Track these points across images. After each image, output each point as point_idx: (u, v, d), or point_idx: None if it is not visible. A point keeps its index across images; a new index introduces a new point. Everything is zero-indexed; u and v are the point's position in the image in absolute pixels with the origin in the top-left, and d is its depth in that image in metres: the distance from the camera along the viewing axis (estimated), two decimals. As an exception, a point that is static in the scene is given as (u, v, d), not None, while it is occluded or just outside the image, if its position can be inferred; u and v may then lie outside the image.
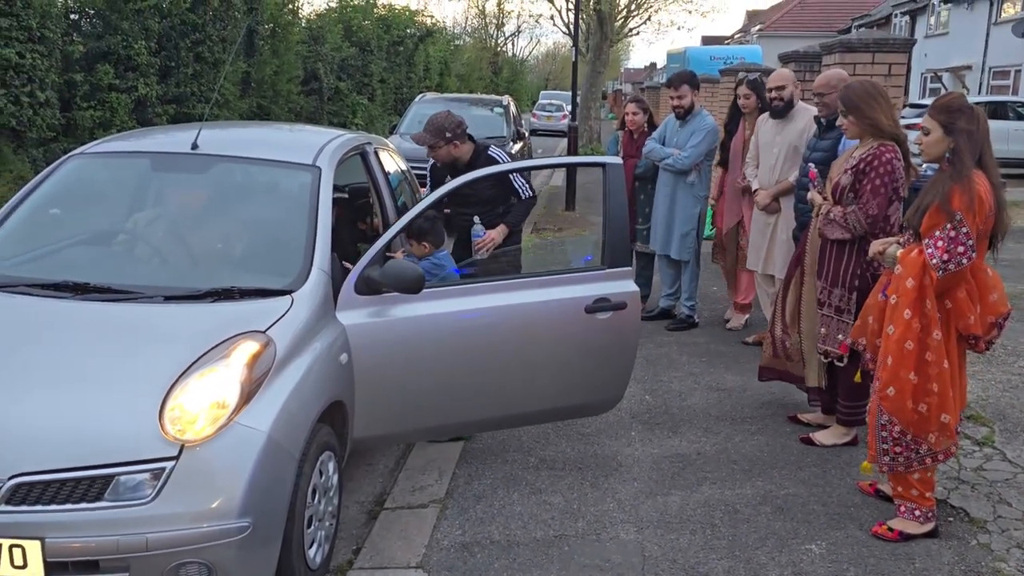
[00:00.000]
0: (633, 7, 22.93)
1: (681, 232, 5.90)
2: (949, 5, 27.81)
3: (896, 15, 32.67)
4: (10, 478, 2.38)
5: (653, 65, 69.62)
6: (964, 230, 2.96)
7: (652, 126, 6.34)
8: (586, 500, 3.54)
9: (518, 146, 11.94)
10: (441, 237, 4.02)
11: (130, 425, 2.51)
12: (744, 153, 5.70)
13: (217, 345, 2.75)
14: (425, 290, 3.29)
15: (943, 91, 21.76)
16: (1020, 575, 2.99)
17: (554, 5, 23.33)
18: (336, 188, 3.66)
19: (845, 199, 3.82)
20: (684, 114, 5.84)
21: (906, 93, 27.51)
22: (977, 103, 3.78)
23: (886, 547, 3.16)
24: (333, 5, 23.03)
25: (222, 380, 2.64)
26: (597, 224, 10.29)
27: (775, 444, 4.10)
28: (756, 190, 5.41)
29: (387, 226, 4.01)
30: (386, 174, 4.38)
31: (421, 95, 14.02)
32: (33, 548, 2.36)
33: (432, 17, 30.39)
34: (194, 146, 3.59)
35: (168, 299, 3.02)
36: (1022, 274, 7.45)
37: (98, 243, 3.57)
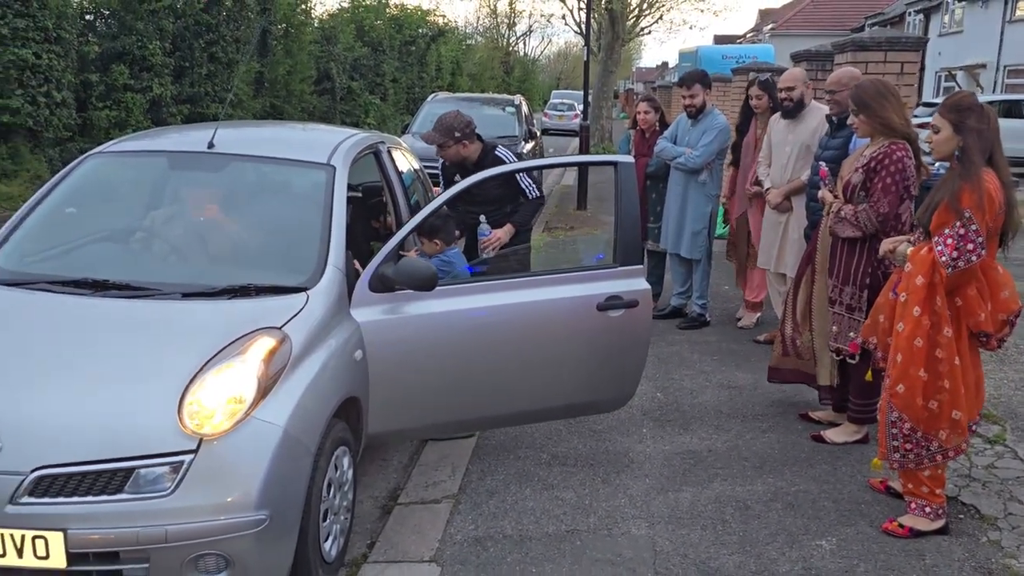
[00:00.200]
0: (645, 6, 22.93)
1: (692, 231, 5.92)
2: (963, 3, 27.64)
3: (910, 13, 32.51)
4: (33, 471, 2.43)
5: (665, 64, 69.47)
6: (974, 228, 2.97)
7: (664, 125, 6.36)
8: (598, 496, 3.57)
9: (530, 145, 11.97)
10: (452, 235, 4.06)
11: (150, 419, 2.55)
12: (756, 152, 5.71)
13: (234, 341, 2.79)
14: (438, 288, 3.33)
15: (957, 89, 21.61)
16: (1031, 572, 3.00)
17: (566, 4, 23.35)
18: (349, 187, 3.71)
19: (856, 197, 3.83)
20: (696, 113, 5.86)
21: (920, 92, 27.41)
22: (991, 101, 3.78)
23: (896, 543, 3.18)
24: (345, 5, 23.14)
25: (239, 375, 2.68)
26: (609, 223, 10.31)
27: (786, 441, 4.12)
28: (768, 189, 5.43)
29: (400, 224, 4.05)
30: (399, 173, 4.42)
31: (433, 95, 14.06)
32: (56, 539, 2.41)
33: (444, 17, 30.55)
34: (210, 145, 3.64)
35: (186, 296, 3.07)
36: (1036, 273, 7.41)
37: (116, 241, 3.62)
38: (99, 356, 2.75)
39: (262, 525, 2.54)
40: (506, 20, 50.34)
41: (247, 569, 2.55)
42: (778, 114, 5.44)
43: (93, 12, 12.98)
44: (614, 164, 3.80)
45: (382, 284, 3.32)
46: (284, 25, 17.71)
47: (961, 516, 3.39)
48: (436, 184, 5.14)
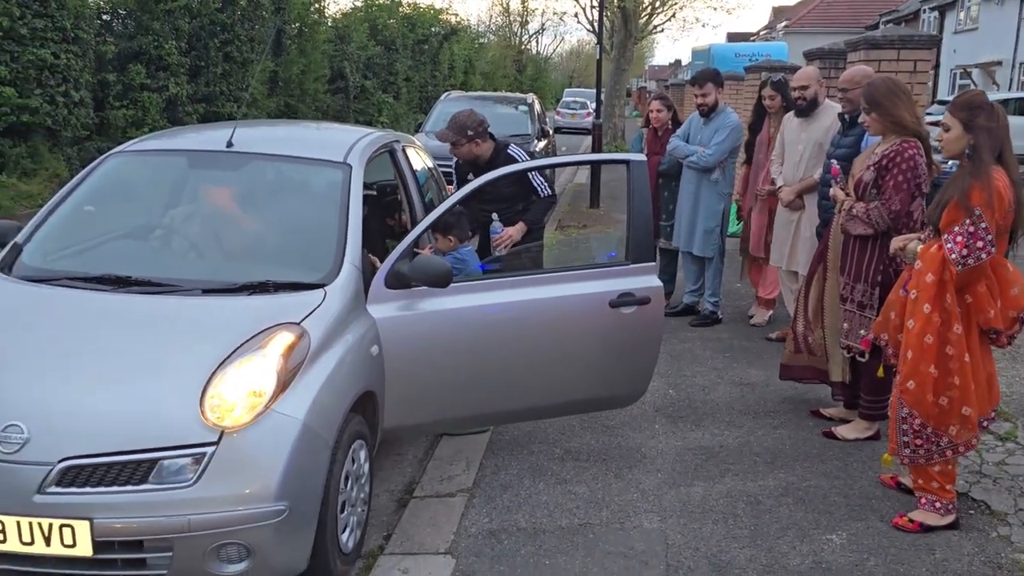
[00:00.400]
0: (657, 4, 22.90)
1: (705, 229, 5.95)
2: (979, 0, 27.45)
3: (925, 11, 32.31)
4: (60, 461, 2.50)
5: (678, 62, 69.33)
6: (983, 225, 3.00)
7: (677, 123, 6.39)
8: (610, 490, 3.61)
9: (542, 144, 12.01)
10: (466, 232, 4.11)
11: (173, 412, 2.62)
12: (768, 151, 5.73)
13: (254, 336, 2.85)
14: (452, 284, 3.38)
15: (972, 87, 21.47)
16: (1040, 567, 3.03)
17: (578, 2, 23.43)
18: (364, 185, 3.76)
19: (868, 195, 3.85)
20: (708, 112, 5.89)
21: (935, 89, 27.26)
22: (1007, 99, 3.79)
23: (907, 538, 3.21)
24: (359, 4, 23.24)
25: (259, 369, 2.74)
26: (621, 221, 10.32)
27: (797, 438, 4.15)
28: (780, 187, 5.45)
29: (414, 222, 4.11)
30: (414, 171, 4.47)
31: (446, 93, 14.12)
32: (82, 528, 2.48)
33: (456, 15, 30.64)
34: (229, 144, 3.70)
35: (206, 292, 3.14)
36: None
37: (137, 238, 3.70)
38: (122, 351, 2.82)
39: (282, 516, 2.60)
40: (518, 18, 50.40)
41: (267, 559, 2.61)
42: (791, 112, 5.47)
43: (110, 12, 13.11)
44: (626, 163, 3.84)
45: (398, 281, 3.38)
46: (298, 24, 17.82)
47: (971, 512, 3.41)
48: (449, 183, 5.20)
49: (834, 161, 4.35)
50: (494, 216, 4.48)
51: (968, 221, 3.04)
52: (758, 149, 5.93)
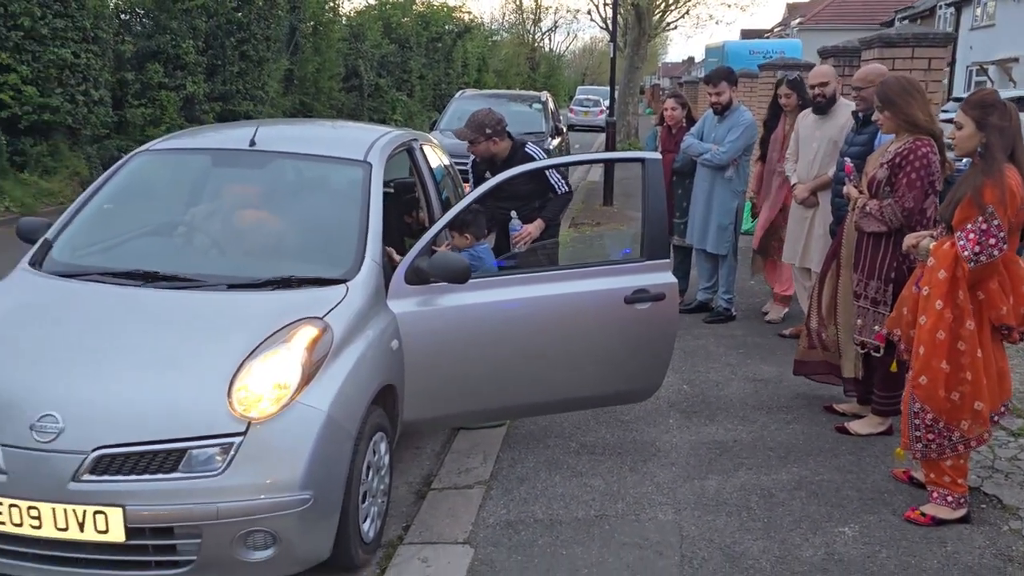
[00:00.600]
0: (671, 1, 22.87)
1: (719, 226, 5.99)
2: (996, -4, 27.26)
3: (941, 7, 32.10)
4: (94, 450, 2.58)
5: (691, 59, 69.12)
6: (996, 223, 3.04)
7: (691, 121, 6.43)
8: (625, 483, 3.67)
9: (556, 141, 12.07)
10: (482, 229, 4.18)
11: (201, 403, 2.70)
12: (783, 148, 5.77)
13: (279, 330, 2.93)
14: (471, 280, 3.45)
15: (988, 84, 21.30)
16: (1051, 560, 3.07)
17: (592, 0, 23.35)
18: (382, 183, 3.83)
19: (881, 193, 3.89)
20: (722, 110, 5.93)
21: (950, 86, 27.09)
22: (1021, 97, 3.82)
23: (919, 531, 3.25)
24: (373, 2, 23.36)
25: (284, 362, 2.82)
26: (635, 219, 10.39)
27: (810, 433, 4.19)
28: (795, 184, 5.49)
29: (432, 219, 4.18)
30: (431, 169, 4.54)
31: (461, 91, 14.19)
32: (115, 515, 2.56)
33: (470, 13, 30.68)
34: (252, 143, 3.78)
35: (231, 287, 3.22)
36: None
37: (164, 235, 3.79)
38: (152, 344, 2.90)
39: (306, 504, 2.68)
40: (532, 16, 50.43)
41: (292, 546, 2.69)
42: (807, 110, 5.50)
43: (128, 12, 13.27)
44: (641, 161, 3.89)
45: (417, 277, 3.45)
46: (313, 23, 17.95)
47: (983, 506, 3.45)
48: (465, 181, 5.27)
49: (848, 159, 4.38)
50: (513, 214, 4.54)
51: (981, 218, 3.08)
52: (772, 146, 5.97)
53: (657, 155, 4.01)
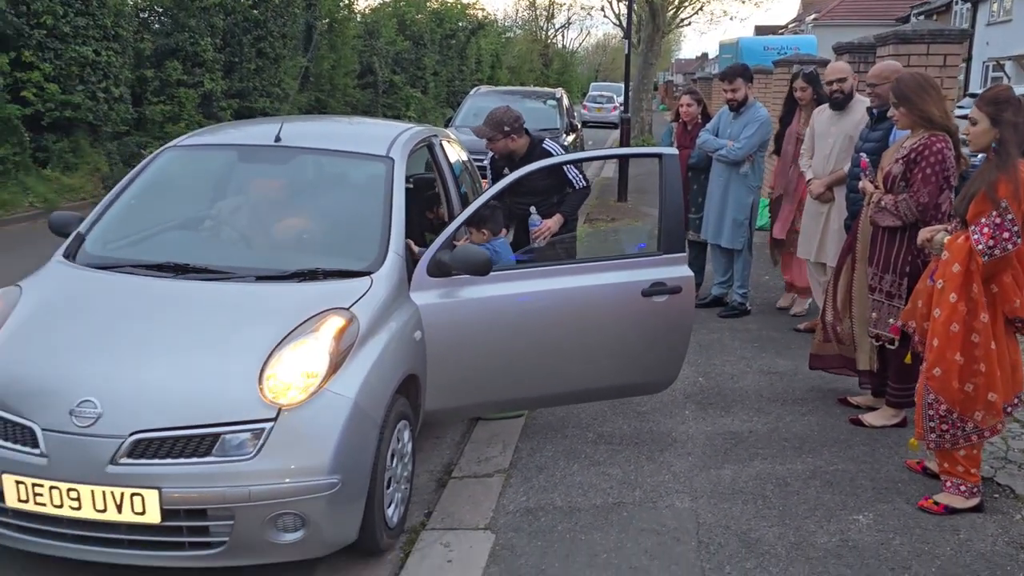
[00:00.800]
0: (685, -3, 22.87)
1: (734, 221, 6.04)
2: (1013, -9, 27.07)
3: (957, 2, 31.89)
4: (131, 434, 2.68)
5: (705, 56, 68.88)
6: (1009, 217, 3.09)
7: (706, 117, 6.48)
8: (643, 472, 3.74)
9: (570, 138, 12.11)
10: (499, 225, 4.26)
11: (234, 390, 2.79)
12: (798, 143, 5.82)
13: (307, 320, 3.02)
14: (492, 273, 3.52)
15: (1005, 80, 21.15)
16: (1063, 549, 3.12)
17: (606, -4, 23.35)
18: None
19: (896, 188, 3.94)
20: (738, 106, 5.98)
21: (966, 82, 26.93)
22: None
23: (932, 519, 3.31)
24: (387, 0, 23.43)
25: (313, 351, 2.91)
26: (649, 215, 10.44)
27: (825, 424, 4.25)
28: (811, 180, 5.54)
29: (452, 213, 4.27)
30: (451, 164, 4.62)
31: (476, 88, 14.26)
32: (151, 497, 2.66)
33: (483, 10, 30.73)
34: (277, 139, 3.87)
35: (259, 279, 3.31)
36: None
37: (193, 228, 3.89)
38: (185, 333, 3.00)
39: (334, 488, 2.76)
40: (544, 13, 50.44)
41: (320, 529, 2.78)
42: (823, 105, 5.54)
43: (148, 10, 13.41)
44: (659, 156, 3.96)
45: (439, 269, 3.53)
46: (328, 20, 18.06)
47: (996, 496, 3.50)
48: (483, 177, 5.34)
49: (863, 154, 4.43)
50: (532, 209, 4.62)
51: (995, 213, 3.12)
52: (787, 140, 6.02)
53: (674, 150, 4.07)
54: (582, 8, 45.19)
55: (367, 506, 2.95)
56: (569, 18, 52.62)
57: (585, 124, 24.41)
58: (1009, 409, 3.42)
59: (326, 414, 2.82)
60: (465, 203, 4.38)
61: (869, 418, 4.23)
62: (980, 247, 3.14)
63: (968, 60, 28.13)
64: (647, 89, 21.71)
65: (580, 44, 66.83)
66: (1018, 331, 3.34)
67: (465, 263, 3.47)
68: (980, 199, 3.16)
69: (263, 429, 2.74)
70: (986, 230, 3.14)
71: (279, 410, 2.77)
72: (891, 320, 3.96)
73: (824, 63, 6.85)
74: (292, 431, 2.76)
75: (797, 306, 6.23)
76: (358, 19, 20.04)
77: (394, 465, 3.19)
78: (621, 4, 20.21)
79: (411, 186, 4.91)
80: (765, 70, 11.72)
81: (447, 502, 3.56)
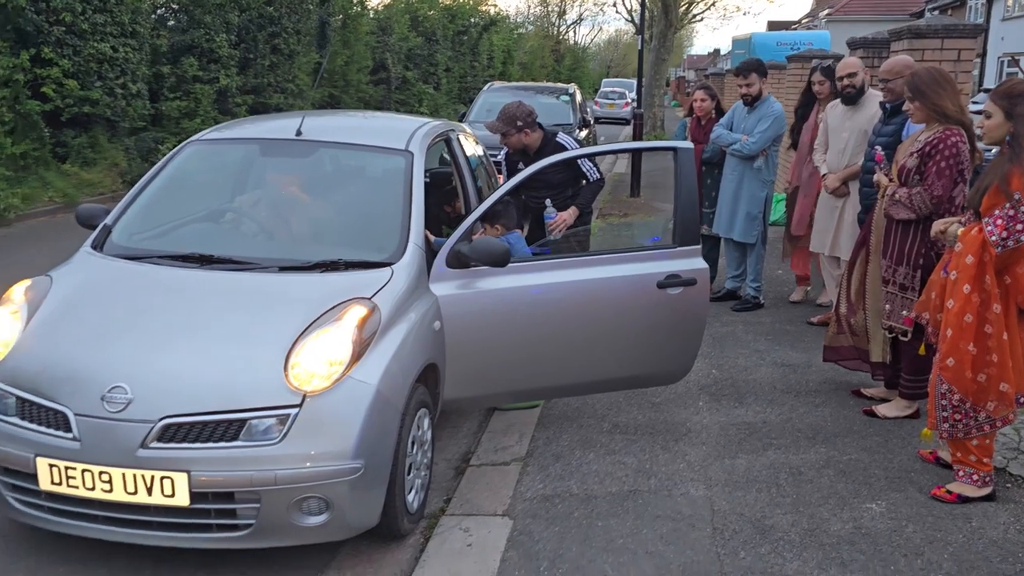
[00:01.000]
0: (698, -7, 22.85)
1: (747, 215, 6.08)
2: (1029, -14, 26.87)
3: (972, -3, 31.68)
4: (161, 419, 2.76)
5: (717, 51, 68.65)
6: (1023, 209, 3.12)
7: (720, 112, 6.52)
8: (657, 461, 3.80)
9: (584, 133, 12.15)
10: (513, 221, 4.31)
11: (260, 377, 2.86)
12: (815, 137, 5.86)
13: (330, 309, 3.09)
14: (509, 264, 3.58)
15: (1020, 75, 21.03)
16: (1075, 537, 3.15)
17: (617, -8, 23.36)
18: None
19: (911, 181, 3.97)
20: (752, 101, 6.01)
21: (981, 77, 26.77)
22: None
23: (944, 508, 3.35)
24: (400, -4, 23.49)
25: (336, 339, 2.97)
26: (662, 210, 10.47)
27: (838, 415, 4.29)
28: (825, 174, 5.58)
29: (468, 205, 4.33)
30: (467, 157, 4.68)
31: (489, 84, 14.32)
32: (181, 480, 2.73)
33: (495, 6, 30.78)
34: (298, 133, 3.94)
35: (283, 269, 3.38)
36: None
37: (216, 220, 3.97)
38: (212, 321, 3.07)
39: (357, 473, 2.83)
40: (556, 9, 50.42)
41: (344, 512, 2.85)
42: (836, 100, 5.58)
43: (164, 7, 13.53)
44: (674, 150, 4.00)
45: (458, 261, 3.59)
46: (341, 16, 18.14)
47: (1008, 485, 3.54)
48: (499, 173, 5.40)
49: (878, 148, 4.46)
50: (547, 202, 4.67)
51: (1008, 205, 3.16)
52: (804, 134, 6.06)
53: (689, 144, 4.11)
54: (594, 4, 45.28)
55: (388, 491, 3.02)
56: (581, 14, 52.64)
57: (597, 120, 24.40)
58: (1021, 399, 3.45)
59: (349, 401, 2.89)
60: (481, 197, 4.44)
61: (882, 409, 4.27)
62: (993, 238, 3.18)
63: (983, 55, 27.97)
64: (659, 85, 21.71)
65: (592, 40, 66.76)
66: (1031, 322, 3.37)
67: (484, 254, 3.53)
68: (993, 191, 3.20)
69: (288, 415, 2.80)
70: (999, 222, 3.17)
71: (304, 396, 2.84)
72: (904, 312, 3.99)
73: (839, 59, 6.85)
74: (317, 417, 2.83)
75: (824, 296, 6.27)
76: (371, 15, 20.12)
77: (414, 452, 3.26)
78: (634, 0, 20.21)
79: (428, 180, 5.00)
80: (778, 65, 11.72)
81: (465, 489, 3.62)
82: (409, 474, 3.21)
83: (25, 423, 2.86)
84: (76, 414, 2.79)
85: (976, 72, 27.49)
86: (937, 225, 3.58)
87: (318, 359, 2.92)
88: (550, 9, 50.96)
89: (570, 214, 4.65)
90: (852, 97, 5.37)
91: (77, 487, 2.78)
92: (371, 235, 3.66)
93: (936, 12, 32.42)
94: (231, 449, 2.76)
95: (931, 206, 3.89)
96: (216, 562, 3.04)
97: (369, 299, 3.17)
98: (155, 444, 2.75)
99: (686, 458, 3.83)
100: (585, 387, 4.06)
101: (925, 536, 3.15)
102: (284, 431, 2.79)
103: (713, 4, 24.29)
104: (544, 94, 12.96)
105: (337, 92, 18.02)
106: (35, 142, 10.12)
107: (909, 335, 3.97)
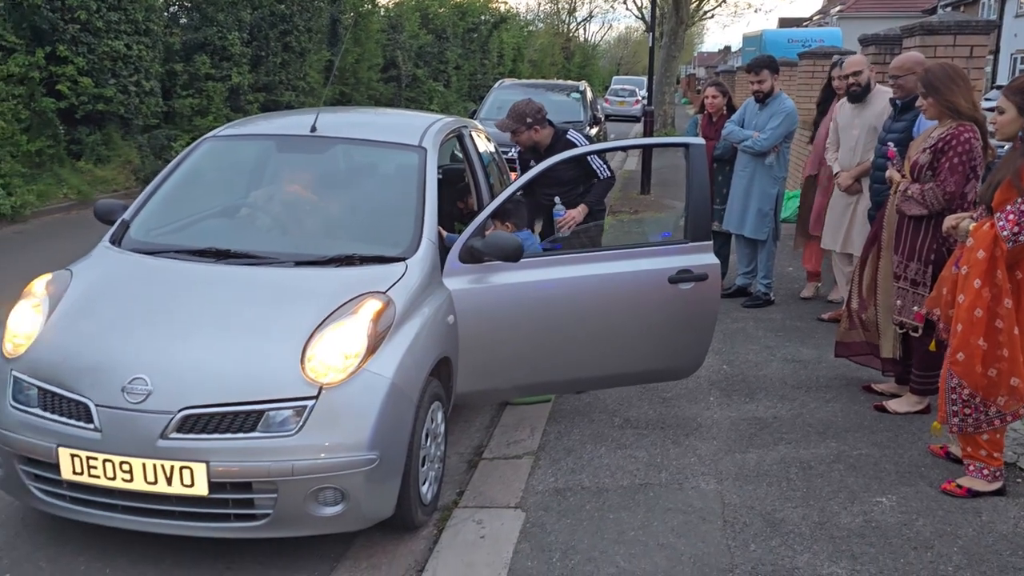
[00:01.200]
0: (709, -10, 22.80)
1: (758, 212, 6.09)
2: (1042, -18, 26.69)
3: (985, -7, 31.50)
4: (180, 410, 2.81)
5: (727, 48, 68.42)
6: (1034, 204, 3.13)
7: (731, 109, 6.53)
8: (668, 455, 3.83)
9: (594, 131, 12.17)
10: (523, 219, 4.35)
11: (278, 369, 2.91)
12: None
13: (345, 303, 3.13)
14: (522, 260, 3.61)
15: (1033, 72, 20.85)
16: (1085, 531, 3.16)
17: (628, -10, 23.33)
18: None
19: (923, 177, 3.98)
20: (764, 97, 6.03)
21: (993, 74, 26.61)
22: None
23: (954, 502, 3.37)
24: (410, -7, 23.52)
25: (352, 333, 3.01)
26: (672, 207, 10.48)
27: (849, 411, 4.31)
28: (837, 172, 5.59)
29: (479, 200, 4.36)
30: (479, 154, 4.72)
31: (499, 81, 14.35)
32: (200, 470, 2.78)
33: (505, 3, 30.72)
34: (313, 129, 3.99)
35: (299, 264, 3.42)
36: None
37: (233, 215, 4.02)
38: (230, 314, 3.12)
39: (373, 464, 2.88)
40: (567, 6, 50.37)
41: (359, 503, 2.90)
42: (844, 99, 5.59)
43: (177, 4, 13.61)
44: (686, 145, 4.03)
45: (471, 256, 3.63)
46: (352, 14, 18.19)
47: (1019, 480, 3.55)
48: (513, 170, 5.43)
49: (891, 144, 4.47)
50: (556, 199, 4.70)
51: (1020, 200, 3.17)
52: (822, 128, 6.10)
53: (701, 140, 4.13)
54: (604, 1, 45.04)
55: (403, 483, 3.06)
56: (591, 11, 52.59)
57: (607, 118, 24.40)
58: (1033, 395, 3.46)
59: (365, 393, 2.93)
60: (493, 193, 4.48)
61: (893, 404, 4.28)
62: (1005, 233, 3.19)
63: (995, 52, 27.80)
64: (670, 82, 21.70)
65: (602, 38, 66.69)
66: (1042, 317, 3.38)
67: (497, 249, 3.57)
68: (1005, 187, 3.21)
69: (305, 407, 2.85)
70: (1011, 217, 3.18)
71: (320, 388, 2.88)
72: (915, 308, 4.01)
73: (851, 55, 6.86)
74: (333, 409, 2.87)
75: (834, 293, 6.28)
76: (382, 13, 20.16)
77: (428, 444, 3.30)
78: (644, -3, 20.18)
79: (441, 176, 5.03)
80: (789, 62, 11.70)
81: (478, 482, 3.66)
82: (423, 466, 3.25)
83: (47, 414, 2.91)
84: (97, 405, 2.84)
85: (989, 69, 27.34)
86: (949, 220, 3.59)
87: (334, 352, 2.96)
88: (560, 6, 50.96)
89: (579, 212, 4.68)
90: (858, 95, 5.40)
91: (98, 477, 2.83)
92: (385, 230, 3.70)
93: (948, 9, 32.25)
94: (249, 440, 2.81)
95: (943, 202, 3.90)
96: (233, 551, 3.09)
97: (384, 293, 3.21)
98: (175, 435, 2.80)
99: (697, 452, 3.85)
100: (597, 382, 4.09)
101: (935, 530, 3.17)
102: (301, 423, 2.84)
103: (724, 1, 24.27)
104: (555, 91, 12.98)
105: (348, 89, 18.07)
106: (50, 139, 10.21)
107: (920, 331, 3.98)
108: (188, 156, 4.10)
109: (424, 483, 3.28)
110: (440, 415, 3.45)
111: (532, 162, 4.88)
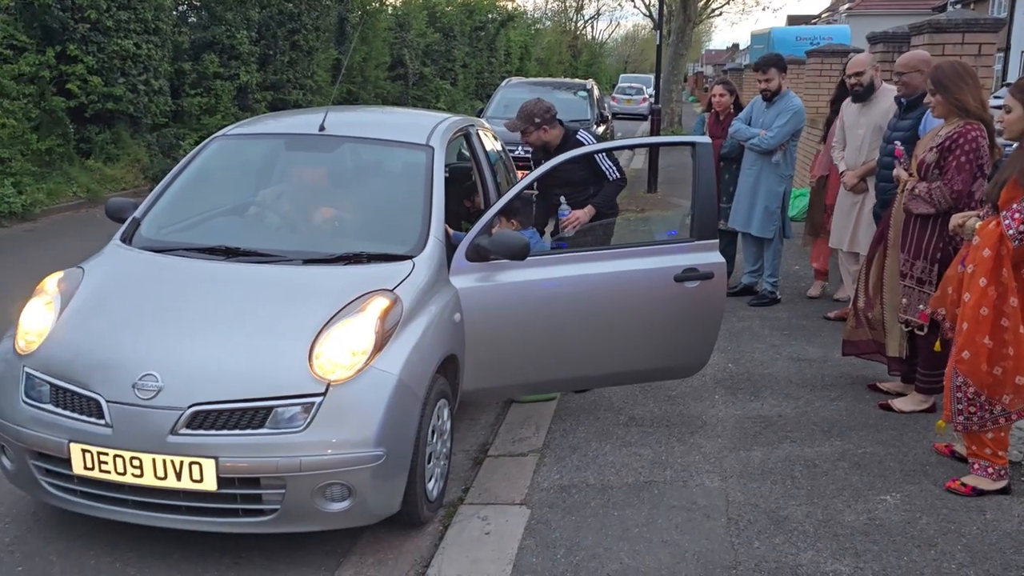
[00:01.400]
0: (717, -13, 22.76)
1: (765, 210, 6.10)
2: (1053, -21, 26.55)
3: (995, -9, 31.34)
4: (190, 406, 2.84)
5: (735, 46, 68.25)
6: (1040, 202, 3.14)
7: (739, 108, 6.54)
8: (673, 453, 3.84)
9: (601, 129, 12.18)
10: (530, 217, 4.37)
11: (286, 366, 2.94)
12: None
13: (353, 300, 3.16)
14: (528, 258, 3.64)
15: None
16: (1090, 530, 3.17)
17: (636, -12, 23.30)
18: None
19: (930, 175, 3.99)
20: (771, 96, 6.03)
21: (1004, 72, 26.48)
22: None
23: (959, 500, 3.38)
24: (418, -8, 23.55)
25: (359, 330, 3.04)
26: (679, 205, 10.48)
27: (854, 409, 4.32)
28: (844, 171, 5.59)
29: (487, 200, 4.38)
30: (487, 152, 4.74)
31: (507, 80, 14.37)
32: (209, 466, 2.81)
33: (513, 2, 30.72)
34: (322, 128, 4.01)
35: (307, 262, 3.45)
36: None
37: (242, 214, 4.05)
38: (239, 312, 3.15)
39: (380, 460, 2.90)
40: (574, 4, 50.34)
41: (366, 499, 2.92)
42: (849, 98, 5.59)
43: (185, 3, 13.66)
44: (692, 144, 4.04)
45: (477, 254, 3.65)
46: (360, 12, 18.23)
47: (1023, 479, 3.56)
48: (528, 170, 5.43)
49: (898, 143, 4.48)
50: (562, 199, 4.71)
51: (1025, 199, 3.18)
52: (835, 127, 6.10)
53: (707, 139, 4.15)
54: (613, -1, 45.12)
55: (409, 479, 3.08)
56: (598, 9, 52.50)
57: (614, 116, 24.37)
58: (1039, 393, 3.46)
59: (372, 390, 2.96)
60: (500, 192, 4.50)
61: (898, 403, 4.29)
62: (1011, 232, 3.20)
63: (1007, 49, 27.67)
64: (677, 80, 21.66)
65: (609, 36, 66.61)
66: (1048, 317, 3.38)
67: (504, 247, 3.59)
68: (1012, 185, 3.22)
69: (313, 403, 2.88)
70: (1017, 215, 3.19)
71: (328, 385, 2.91)
72: (921, 306, 4.01)
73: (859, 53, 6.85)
74: (340, 405, 2.90)
75: (841, 292, 6.28)
76: (389, 11, 20.20)
77: (434, 441, 3.32)
78: (652, -5, 20.16)
79: (448, 175, 5.06)
80: (797, 60, 11.69)
81: (483, 479, 3.68)
82: (429, 463, 3.28)
83: (59, 410, 2.95)
84: (108, 401, 2.87)
85: (1000, 67, 27.22)
86: (955, 219, 3.60)
87: (342, 349, 2.99)
88: (568, 4, 50.91)
89: (585, 213, 4.68)
90: (861, 95, 5.40)
91: (109, 472, 2.86)
92: (393, 228, 3.72)
93: (958, 6, 32.11)
94: (257, 436, 2.84)
95: (950, 201, 3.90)
96: (240, 546, 3.12)
97: (391, 291, 3.24)
98: (184, 431, 2.83)
99: (701, 450, 3.87)
100: (602, 379, 4.11)
101: (939, 528, 3.18)
102: (309, 419, 2.86)
103: (732, -1, 24.24)
104: (562, 90, 13.00)
105: (355, 88, 18.12)
106: (60, 138, 10.27)
107: (925, 330, 3.99)
108: (198, 155, 4.13)
109: (430, 480, 3.31)
110: (446, 412, 3.47)
111: (543, 162, 4.90)
